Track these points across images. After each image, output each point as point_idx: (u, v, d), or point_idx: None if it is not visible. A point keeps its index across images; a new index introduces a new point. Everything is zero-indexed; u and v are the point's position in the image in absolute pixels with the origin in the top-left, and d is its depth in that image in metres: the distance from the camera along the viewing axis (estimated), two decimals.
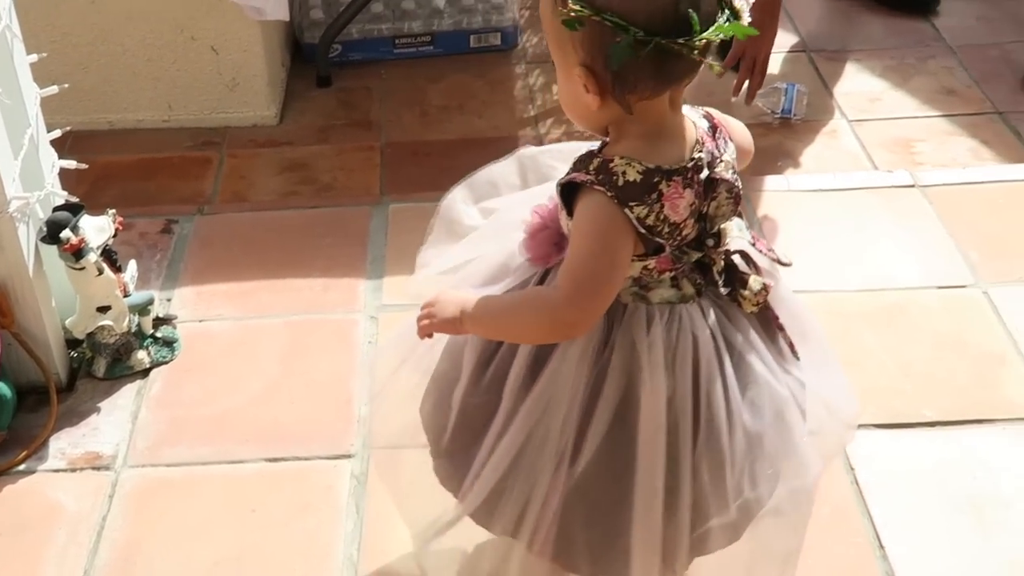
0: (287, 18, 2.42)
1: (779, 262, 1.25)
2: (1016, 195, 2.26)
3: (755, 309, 1.22)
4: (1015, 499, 1.63)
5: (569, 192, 1.16)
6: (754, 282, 1.21)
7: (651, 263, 1.17)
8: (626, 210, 1.11)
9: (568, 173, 1.16)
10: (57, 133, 1.85)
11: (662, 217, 1.12)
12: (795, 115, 2.57)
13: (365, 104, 2.70)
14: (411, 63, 2.84)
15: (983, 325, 1.95)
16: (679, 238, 1.16)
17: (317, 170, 2.47)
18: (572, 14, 1.07)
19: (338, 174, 2.46)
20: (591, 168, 1.13)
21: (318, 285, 2.05)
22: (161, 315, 1.93)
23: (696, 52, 1.07)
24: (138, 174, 2.45)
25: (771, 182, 2.33)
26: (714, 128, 1.20)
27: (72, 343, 1.86)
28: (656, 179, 1.12)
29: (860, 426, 1.73)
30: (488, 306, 1.22)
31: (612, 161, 1.12)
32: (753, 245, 1.23)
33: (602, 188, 1.11)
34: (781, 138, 2.56)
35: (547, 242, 1.24)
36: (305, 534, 1.60)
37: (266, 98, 2.59)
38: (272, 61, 2.61)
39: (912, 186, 2.29)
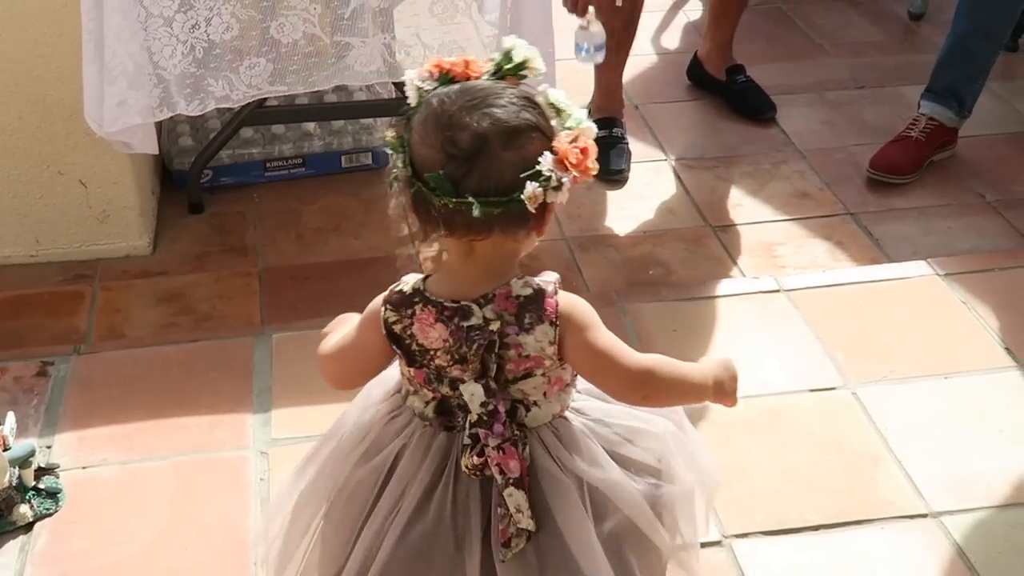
0: (156, 151, 2.41)
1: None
2: (874, 296, 2.38)
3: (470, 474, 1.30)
4: None
5: None
6: (466, 460, 1.29)
7: (410, 372, 1.31)
8: (382, 309, 1.29)
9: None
10: None
11: (409, 333, 1.27)
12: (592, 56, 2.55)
13: (239, 229, 2.70)
14: (284, 185, 2.86)
15: (855, 426, 2.04)
16: (431, 364, 1.28)
17: (194, 299, 2.46)
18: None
19: (216, 302, 2.45)
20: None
21: (204, 423, 2.03)
22: (43, 465, 1.88)
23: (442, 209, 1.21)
24: (6, 313, 2.39)
25: (644, 293, 2.41)
26: (531, 301, 1.26)
27: None
28: (416, 300, 1.26)
29: (750, 534, 1.81)
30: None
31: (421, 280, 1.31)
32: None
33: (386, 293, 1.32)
34: (651, 247, 2.66)
35: None
36: None
37: (138, 228, 2.57)
38: (143, 191, 2.59)
39: (777, 291, 2.40)
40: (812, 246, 2.66)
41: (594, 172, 1.25)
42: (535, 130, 1.23)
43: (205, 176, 2.80)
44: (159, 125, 2.79)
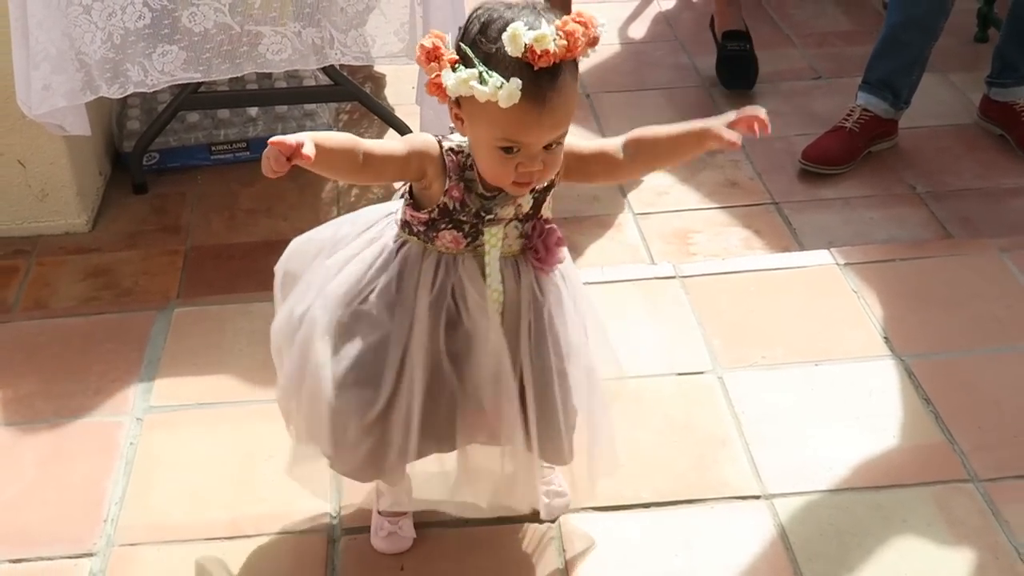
0: (88, 133, 2.54)
1: None
2: (766, 283, 2.41)
3: None
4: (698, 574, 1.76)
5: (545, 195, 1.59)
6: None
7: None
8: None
9: (538, 192, 1.57)
10: None
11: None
12: None
13: (176, 209, 2.83)
14: (228, 169, 2.97)
15: (711, 410, 2.08)
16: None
17: (120, 275, 2.58)
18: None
19: (140, 279, 2.57)
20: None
21: (90, 389, 2.15)
22: None
23: None
24: None
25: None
26: None
27: None
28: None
29: (580, 509, 1.87)
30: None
31: None
32: None
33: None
34: (568, 232, 2.69)
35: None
36: None
37: (76, 207, 2.71)
38: (81, 171, 2.72)
39: (673, 277, 2.44)
40: (728, 235, 2.70)
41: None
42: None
43: (152, 159, 2.93)
44: (109, 108, 2.95)
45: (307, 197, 2.86)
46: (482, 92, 1.38)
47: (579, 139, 1.60)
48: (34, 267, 2.61)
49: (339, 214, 2.78)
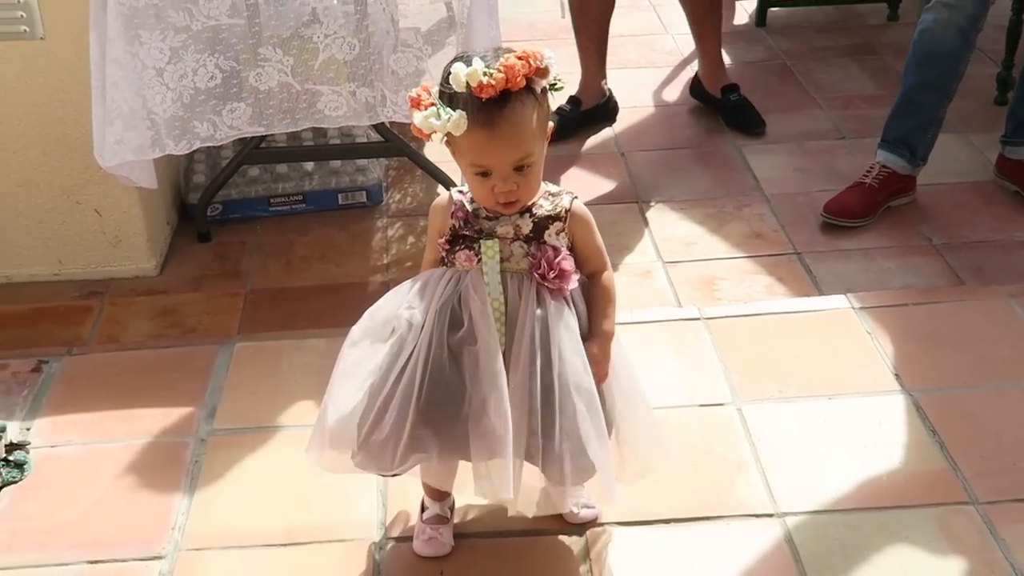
0: (155, 186, 2.76)
1: None
2: (784, 325, 2.58)
3: None
4: None
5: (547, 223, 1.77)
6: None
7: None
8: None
9: (539, 218, 1.77)
10: None
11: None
12: None
13: (237, 256, 3.04)
14: (285, 219, 3.20)
15: (730, 437, 2.24)
16: None
17: (185, 315, 2.79)
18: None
19: (204, 318, 2.79)
20: (557, 196, 1.79)
21: (159, 413, 2.35)
22: (15, 441, 2.22)
23: None
24: (24, 322, 2.77)
25: None
26: None
27: None
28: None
29: (604, 524, 2.03)
30: (614, 316, 1.87)
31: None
32: None
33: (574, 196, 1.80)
34: None
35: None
36: None
37: (146, 253, 2.93)
38: (152, 220, 2.95)
39: (697, 319, 2.61)
40: (752, 282, 2.86)
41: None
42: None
43: (216, 210, 3.16)
44: (177, 163, 3.19)
45: (357, 246, 3.07)
46: (439, 125, 1.64)
47: (598, 249, 1.87)
48: (107, 307, 2.83)
49: (388, 262, 3.00)
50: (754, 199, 3.24)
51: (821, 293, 2.78)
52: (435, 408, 1.75)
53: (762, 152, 3.48)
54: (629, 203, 3.25)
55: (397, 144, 3.06)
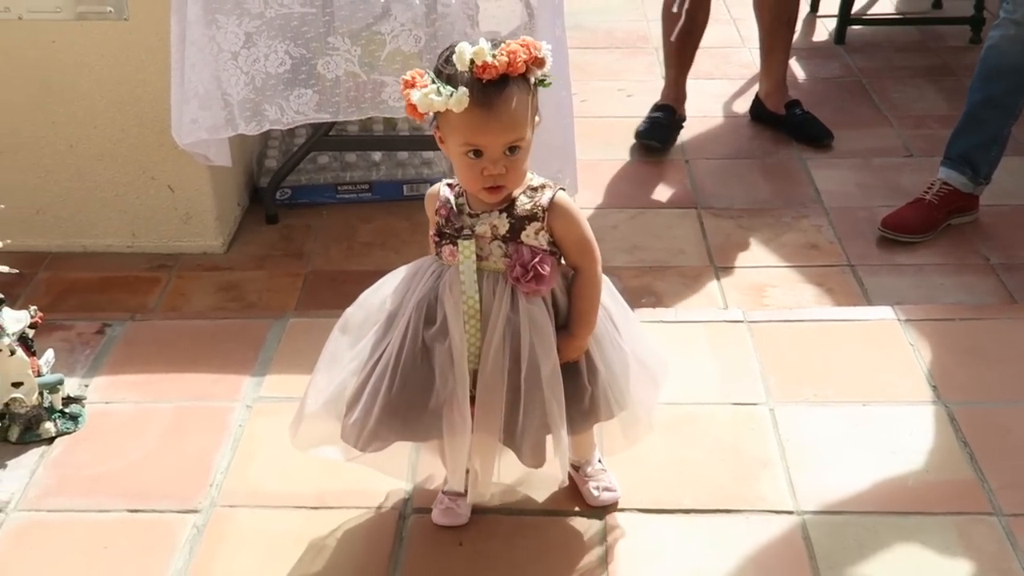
0: (229, 164, 2.89)
1: None
2: (827, 332, 2.59)
3: None
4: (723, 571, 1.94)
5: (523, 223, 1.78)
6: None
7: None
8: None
9: (516, 218, 1.79)
10: None
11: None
12: None
13: (302, 239, 3.15)
14: (351, 207, 3.30)
15: (759, 435, 2.26)
16: None
17: (246, 291, 2.90)
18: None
19: (264, 294, 2.89)
20: (539, 190, 1.80)
21: (210, 379, 2.45)
22: (72, 395, 2.34)
23: None
24: (96, 289, 2.90)
25: None
26: None
27: None
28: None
29: (624, 509, 2.07)
30: (592, 318, 1.85)
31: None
32: None
33: (559, 188, 1.80)
34: (651, 280, 2.94)
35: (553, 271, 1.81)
36: (139, 568, 1.96)
37: (214, 230, 3.05)
38: (222, 200, 3.07)
39: (741, 322, 2.64)
40: (802, 290, 2.88)
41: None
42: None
43: (285, 194, 3.27)
44: (251, 147, 3.31)
45: (418, 235, 3.14)
46: (439, 101, 1.68)
47: (580, 242, 1.86)
48: (174, 280, 2.96)
49: None
50: (813, 211, 3.25)
51: (870, 305, 2.79)
52: (404, 398, 1.83)
53: (826, 166, 3.48)
54: (688, 208, 3.28)
55: None
